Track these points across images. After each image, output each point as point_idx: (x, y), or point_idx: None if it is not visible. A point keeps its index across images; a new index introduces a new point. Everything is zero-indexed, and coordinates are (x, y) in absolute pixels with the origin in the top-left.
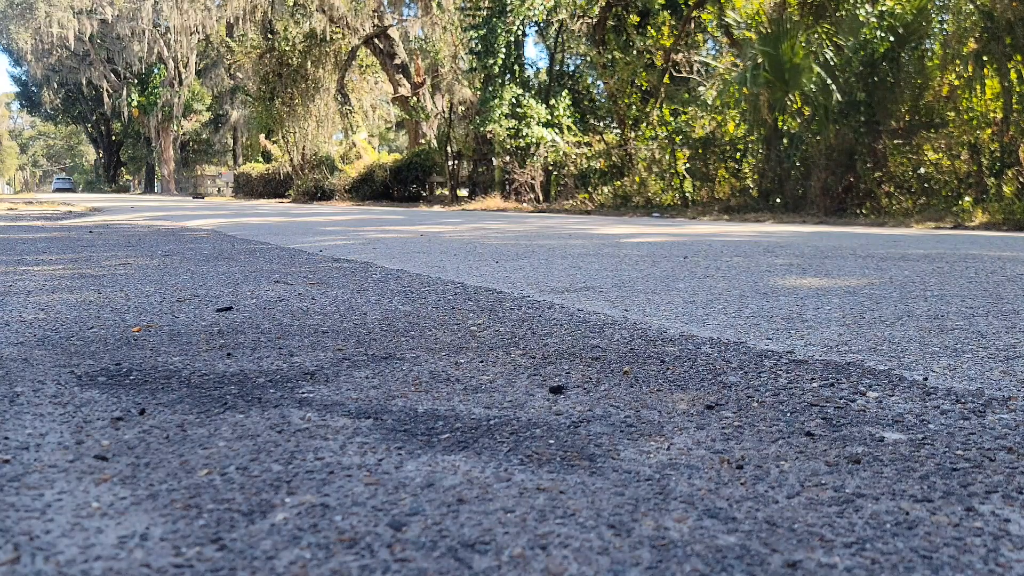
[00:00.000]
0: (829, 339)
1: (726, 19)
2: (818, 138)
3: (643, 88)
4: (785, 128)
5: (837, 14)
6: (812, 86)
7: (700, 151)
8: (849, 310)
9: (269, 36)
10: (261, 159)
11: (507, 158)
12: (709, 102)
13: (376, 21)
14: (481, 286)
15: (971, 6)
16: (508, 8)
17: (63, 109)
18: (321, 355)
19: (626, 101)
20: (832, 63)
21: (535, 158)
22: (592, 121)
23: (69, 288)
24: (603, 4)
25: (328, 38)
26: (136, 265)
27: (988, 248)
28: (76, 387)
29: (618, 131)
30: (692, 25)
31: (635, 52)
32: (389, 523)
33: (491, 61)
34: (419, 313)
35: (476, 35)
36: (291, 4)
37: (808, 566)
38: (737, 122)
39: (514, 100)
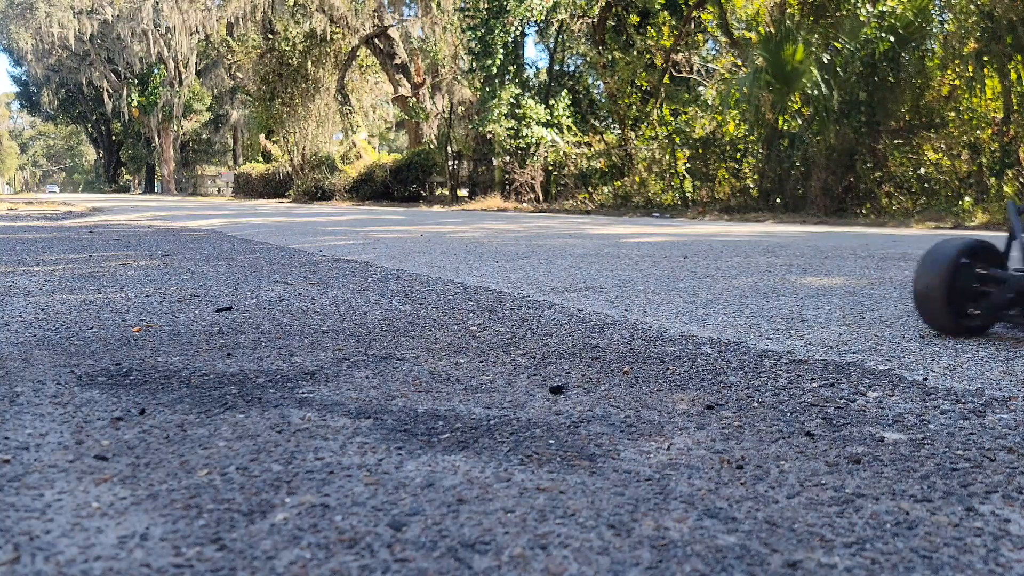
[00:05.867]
0: (829, 339)
1: (728, 22)
2: (818, 138)
3: (643, 88)
4: (785, 128)
5: (837, 14)
6: (812, 87)
7: (700, 151)
8: (849, 310)
9: (269, 36)
10: (261, 159)
11: (507, 158)
12: (709, 102)
13: (376, 21)
14: (481, 286)
15: (971, 6)
16: (506, 8)
17: (63, 109)
18: (321, 355)
19: (626, 101)
20: (833, 63)
21: (535, 158)
22: (592, 121)
23: (69, 288)
24: (603, 4)
25: (328, 38)
26: (136, 265)
27: None
28: (76, 387)
29: (618, 131)
30: (692, 25)
31: (635, 52)
32: (389, 523)
33: (489, 62)
34: (419, 313)
35: (474, 36)
36: (291, 4)
37: (808, 566)
38: (737, 122)
39: (513, 100)
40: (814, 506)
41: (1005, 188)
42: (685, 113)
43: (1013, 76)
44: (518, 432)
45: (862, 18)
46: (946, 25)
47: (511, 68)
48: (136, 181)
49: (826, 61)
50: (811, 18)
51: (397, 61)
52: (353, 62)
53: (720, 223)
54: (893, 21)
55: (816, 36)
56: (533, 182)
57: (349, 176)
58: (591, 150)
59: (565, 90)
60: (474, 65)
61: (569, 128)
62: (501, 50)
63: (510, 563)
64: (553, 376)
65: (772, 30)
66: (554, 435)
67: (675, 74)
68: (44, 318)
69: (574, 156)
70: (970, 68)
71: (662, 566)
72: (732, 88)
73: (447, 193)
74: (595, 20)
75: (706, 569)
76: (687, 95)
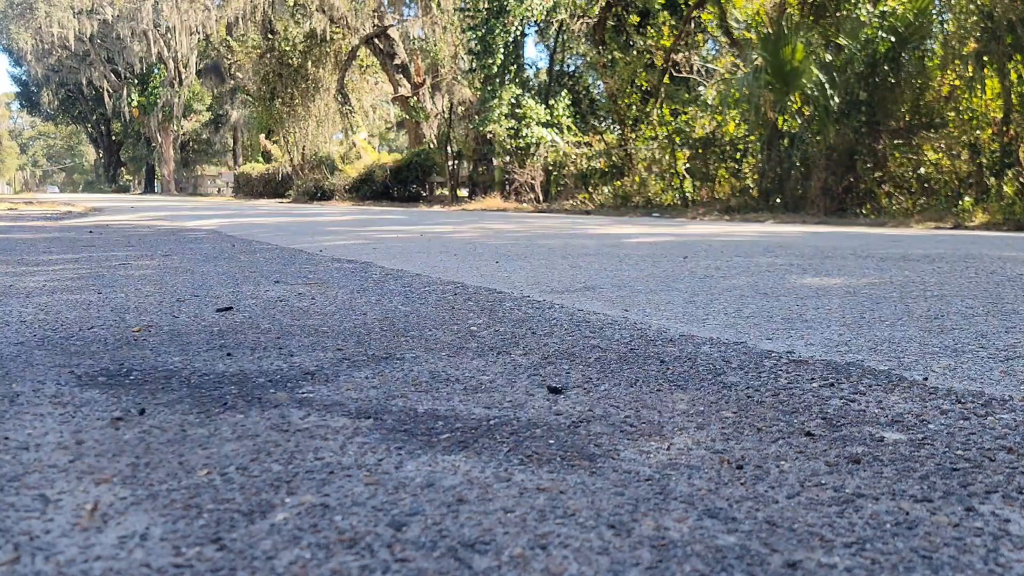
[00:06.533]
0: (829, 339)
1: (728, 21)
2: (818, 138)
3: (643, 88)
4: (785, 128)
5: (837, 14)
6: (812, 87)
7: (700, 151)
8: (849, 310)
9: (269, 36)
10: (261, 159)
11: (507, 158)
12: (709, 102)
13: (376, 21)
14: (481, 286)
15: (971, 6)
16: (506, 8)
17: (63, 109)
18: (321, 355)
19: (626, 101)
20: (833, 63)
21: (535, 158)
22: (592, 121)
23: (69, 288)
24: (603, 4)
25: (328, 38)
26: (136, 265)
27: (988, 248)
28: (76, 387)
29: (618, 131)
30: (692, 25)
31: (635, 52)
32: (389, 523)
33: (489, 61)
34: (419, 313)
35: (474, 35)
36: (291, 4)
37: (808, 566)
38: (737, 122)
39: (514, 100)
40: (814, 506)
41: (1005, 188)
42: (685, 113)
43: (1013, 76)
44: (518, 432)
45: (862, 18)
46: (946, 25)
47: (511, 68)
48: (136, 181)
49: (827, 60)
50: (811, 18)
51: (397, 61)
52: (353, 62)
53: (720, 223)
54: (893, 21)
55: (816, 36)
56: (533, 182)
57: (349, 176)
58: (591, 150)
59: (565, 90)
60: (474, 65)
61: (569, 128)
62: (501, 50)
63: (510, 563)
64: (553, 376)
65: (771, 30)
66: (554, 435)
67: (675, 74)
68: (44, 318)
69: (574, 156)
70: (970, 68)
71: (662, 566)
72: (732, 88)
73: (447, 193)
74: (595, 20)
75: (706, 569)
76: (687, 95)
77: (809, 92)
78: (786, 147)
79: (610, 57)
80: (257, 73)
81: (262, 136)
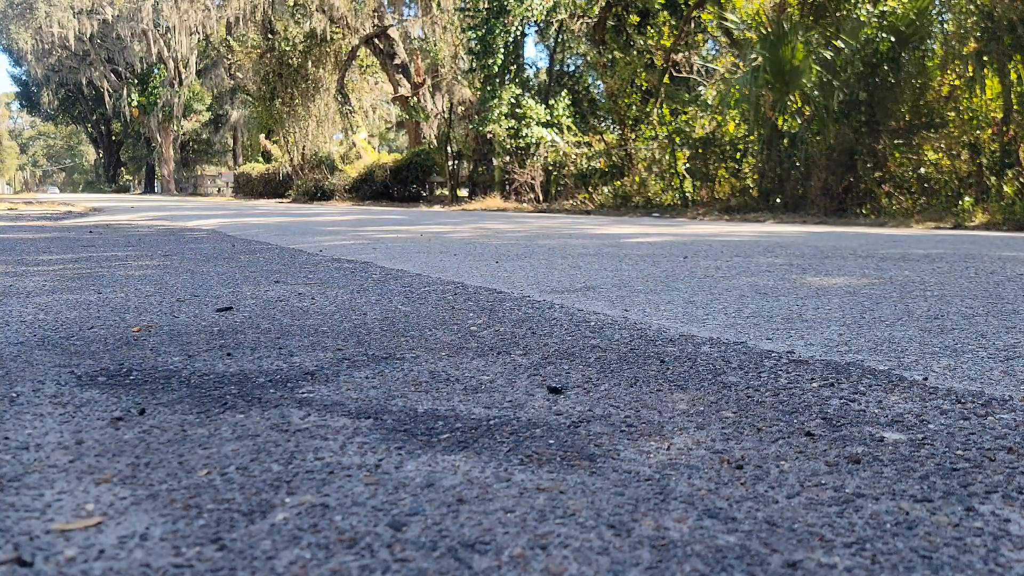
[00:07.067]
0: (829, 339)
1: (726, 20)
2: (818, 138)
3: (643, 88)
4: (785, 128)
5: (837, 14)
6: (812, 86)
7: (700, 151)
8: (849, 310)
9: (269, 36)
10: (261, 159)
11: (507, 158)
12: (709, 102)
13: (376, 21)
14: (481, 286)
15: (971, 6)
16: (507, 8)
17: (63, 109)
18: (321, 355)
19: (626, 101)
20: (833, 63)
21: (535, 158)
22: (592, 121)
23: (69, 288)
24: (603, 4)
25: (328, 38)
26: (136, 265)
27: (988, 248)
28: (76, 387)
29: (618, 131)
30: (692, 25)
31: (635, 52)
32: (389, 523)
33: (490, 61)
34: (419, 313)
35: (475, 35)
36: (291, 4)
37: (808, 566)
38: (737, 122)
39: (513, 100)
40: (814, 506)
41: (1005, 188)
42: (685, 113)
43: (1013, 76)
44: (518, 432)
45: (862, 18)
46: (946, 25)
47: (511, 68)
48: (136, 181)
49: (828, 58)
50: (811, 18)
51: (397, 61)
52: (353, 62)
53: (720, 223)
54: (893, 21)
55: (816, 36)
56: (533, 182)
57: (349, 176)
58: (591, 150)
59: (565, 90)
60: (474, 65)
61: (569, 128)
62: (501, 50)
63: (510, 563)
64: (553, 376)
65: (771, 29)
66: (554, 435)
67: (675, 74)
68: (44, 318)
69: (574, 156)
70: (970, 68)
71: (662, 566)
72: (732, 88)
73: (447, 193)
74: (595, 20)
75: (706, 569)
76: (687, 95)
77: (809, 92)
78: (786, 147)
79: (610, 57)
80: (257, 73)
81: (262, 136)
